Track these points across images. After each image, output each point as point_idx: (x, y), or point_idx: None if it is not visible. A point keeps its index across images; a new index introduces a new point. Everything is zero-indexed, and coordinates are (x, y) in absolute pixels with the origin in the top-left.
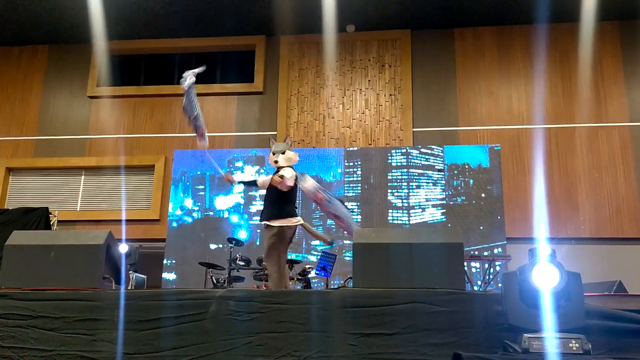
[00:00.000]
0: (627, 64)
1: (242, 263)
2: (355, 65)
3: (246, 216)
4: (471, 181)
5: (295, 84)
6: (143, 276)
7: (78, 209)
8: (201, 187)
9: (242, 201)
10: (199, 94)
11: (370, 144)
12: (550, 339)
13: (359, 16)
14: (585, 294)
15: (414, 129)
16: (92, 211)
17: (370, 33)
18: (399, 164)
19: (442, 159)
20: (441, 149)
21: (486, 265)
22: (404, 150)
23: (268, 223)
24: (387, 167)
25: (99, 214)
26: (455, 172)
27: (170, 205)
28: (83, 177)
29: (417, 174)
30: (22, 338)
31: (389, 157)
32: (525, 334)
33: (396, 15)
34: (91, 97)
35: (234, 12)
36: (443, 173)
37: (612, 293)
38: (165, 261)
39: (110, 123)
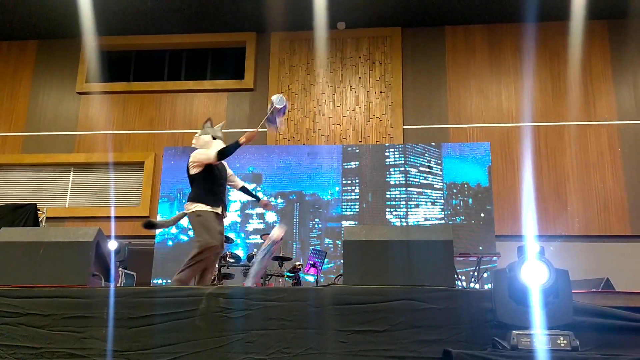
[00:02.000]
0: (615, 62)
1: (232, 260)
2: (346, 63)
3: (243, 235)
4: (470, 200)
5: (285, 80)
6: (133, 273)
7: (67, 206)
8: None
9: (239, 219)
10: (189, 91)
11: (360, 141)
12: (539, 335)
13: (350, 13)
14: (573, 290)
15: (405, 127)
16: (81, 208)
17: (360, 30)
18: (397, 182)
19: (441, 178)
20: (440, 167)
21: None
22: (402, 169)
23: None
24: (385, 186)
25: (88, 211)
26: (454, 190)
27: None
28: (72, 173)
29: (415, 193)
30: (11, 336)
31: (387, 176)
32: (514, 331)
33: (387, 12)
34: (80, 93)
35: (225, 9)
36: (442, 192)
37: (600, 290)
38: (155, 281)
39: (100, 119)
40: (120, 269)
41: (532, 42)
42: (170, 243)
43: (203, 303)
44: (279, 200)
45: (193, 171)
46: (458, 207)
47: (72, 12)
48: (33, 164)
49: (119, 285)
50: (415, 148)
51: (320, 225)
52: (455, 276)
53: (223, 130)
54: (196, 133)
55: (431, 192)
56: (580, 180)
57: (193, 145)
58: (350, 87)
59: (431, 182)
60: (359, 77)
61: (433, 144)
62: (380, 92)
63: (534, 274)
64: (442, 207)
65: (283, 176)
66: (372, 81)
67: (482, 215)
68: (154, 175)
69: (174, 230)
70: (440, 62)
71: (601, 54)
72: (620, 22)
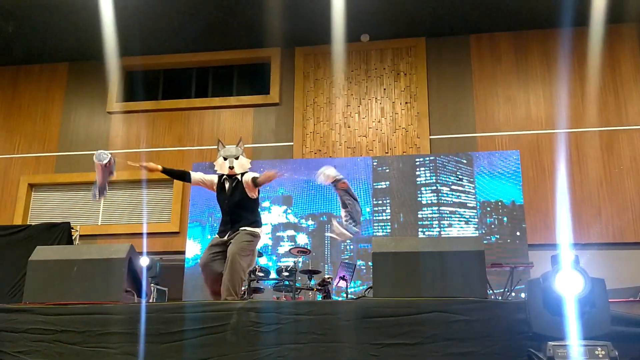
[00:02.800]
0: None
1: (261, 274)
2: (371, 74)
3: (274, 257)
4: (505, 219)
5: (310, 94)
6: (164, 289)
7: (99, 223)
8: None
9: (270, 242)
10: (215, 107)
11: (387, 153)
12: (576, 346)
13: (373, 25)
14: (610, 300)
15: (431, 137)
16: (113, 225)
17: (384, 42)
18: (429, 201)
19: (474, 196)
20: (473, 185)
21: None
22: (434, 188)
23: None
24: (417, 205)
25: (119, 228)
26: (488, 209)
27: (199, 247)
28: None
29: (448, 212)
30: (47, 352)
31: (419, 195)
32: (549, 342)
33: (410, 23)
34: (110, 113)
35: (249, 25)
36: (475, 211)
37: (638, 299)
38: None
39: (130, 138)
40: (152, 284)
41: (559, 48)
42: None
43: (234, 318)
44: (310, 222)
45: (254, 195)
46: (492, 226)
47: (100, 34)
48: (66, 183)
49: (151, 301)
50: (447, 166)
51: (351, 247)
52: (488, 287)
53: (246, 146)
54: (234, 150)
55: (464, 211)
56: (613, 187)
57: (243, 170)
58: (376, 98)
59: (464, 201)
60: (384, 89)
61: (464, 160)
62: (406, 102)
63: (568, 284)
64: (476, 226)
65: (313, 197)
66: (397, 92)
67: (518, 233)
68: (183, 192)
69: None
70: (465, 70)
71: (631, 57)
72: None
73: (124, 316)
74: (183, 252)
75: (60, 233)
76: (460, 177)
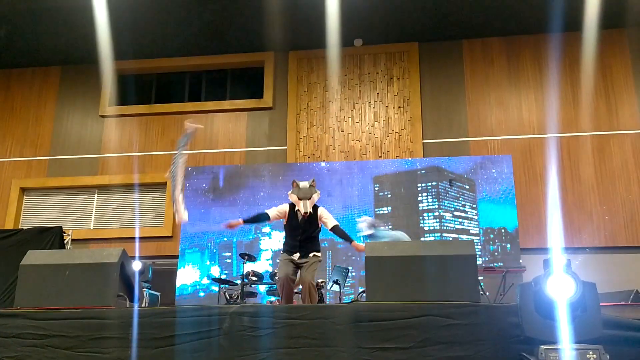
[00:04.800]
0: (636, 71)
1: (254, 278)
2: (364, 79)
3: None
4: (508, 246)
5: (304, 98)
6: (157, 293)
7: (91, 228)
8: (228, 254)
9: (270, 269)
10: (209, 111)
11: (380, 157)
12: (567, 350)
13: (366, 30)
14: (601, 303)
15: (424, 141)
16: (105, 229)
17: (378, 46)
18: (431, 227)
19: (476, 223)
20: (476, 212)
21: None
22: (436, 214)
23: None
24: (419, 231)
25: (112, 232)
26: (491, 236)
27: (198, 273)
28: (96, 195)
29: (450, 239)
30: (38, 357)
31: (421, 221)
32: (541, 346)
33: (403, 28)
34: (103, 117)
35: (243, 30)
36: (479, 237)
37: (629, 302)
38: None
39: (122, 142)
40: (145, 289)
41: (551, 53)
42: (202, 294)
43: (227, 322)
44: (321, 281)
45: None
46: (496, 253)
47: (93, 38)
48: (58, 187)
49: (143, 305)
50: (449, 192)
51: (354, 274)
52: (481, 291)
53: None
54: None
55: (467, 238)
56: (605, 191)
57: (315, 202)
58: (369, 102)
59: (466, 227)
60: (377, 93)
61: (467, 186)
62: (399, 107)
63: (560, 288)
64: (479, 253)
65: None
66: (390, 96)
67: (521, 262)
68: None
69: (205, 280)
70: (458, 75)
71: (622, 63)
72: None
73: (116, 321)
74: (176, 257)
75: (52, 237)
76: (463, 203)
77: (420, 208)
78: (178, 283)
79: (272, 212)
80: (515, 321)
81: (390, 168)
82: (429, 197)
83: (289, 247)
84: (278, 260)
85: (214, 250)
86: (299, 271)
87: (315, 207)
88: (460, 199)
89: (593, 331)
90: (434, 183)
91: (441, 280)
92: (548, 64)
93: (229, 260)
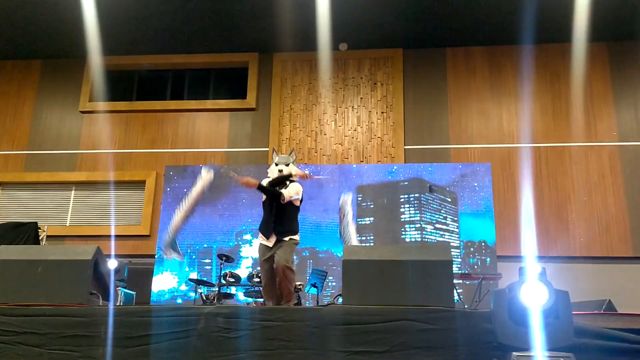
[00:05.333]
0: (615, 84)
1: (232, 280)
2: (348, 83)
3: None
4: (488, 260)
5: (287, 100)
6: (132, 292)
7: (68, 224)
8: (207, 260)
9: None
10: (191, 110)
11: (362, 161)
12: (539, 357)
13: (352, 35)
14: (574, 312)
15: (406, 147)
16: (82, 226)
17: (362, 51)
18: (412, 239)
19: (457, 236)
20: (457, 224)
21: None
22: (418, 225)
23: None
24: (400, 243)
25: (88, 229)
26: (472, 249)
27: (176, 280)
28: (73, 192)
29: (428, 243)
30: (8, 354)
31: (403, 233)
32: (514, 353)
33: (388, 34)
34: (83, 112)
35: (228, 29)
36: (459, 250)
37: (602, 312)
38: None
39: (102, 138)
40: (119, 287)
41: (532, 64)
42: (179, 301)
43: (201, 323)
44: (299, 284)
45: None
46: (475, 267)
47: (75, 32)
48: (35, 182)
49: (117, 304)
50: (431, 204)
51: (334, 284)
52: (457, 297)
53: (220, 150)
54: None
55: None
56: (581, 201)
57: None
58: (352, 107)
59: (447, 240)
60: (361, 98)
61: (449, 199)
62: (382, 112)
63: (534, 295)
64: (459, 266)
65: None
66: (373, 101)
67: (498, 269)
68: (155, 194)
69: (183, 287)
70: (441, 83)
71: (601, 76)
72: (620, 45)
73: (88, 319)
74: (153, 256)
75: (26, 233)
76: (445, 215)
77: (402, 219)
78: (156, 289)
79: (286, 193)
80: (489, 327)
81: (374, 178)
82: (411, 208)
83: (265, 226)
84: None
85: (193, 257)
86: (274, 256)
87: (291, 182)
88: (442, 211)
89: (565, 339)
90: (416, 195)
91: (417, 284)
92: (529, 75)
93: (208, 267)
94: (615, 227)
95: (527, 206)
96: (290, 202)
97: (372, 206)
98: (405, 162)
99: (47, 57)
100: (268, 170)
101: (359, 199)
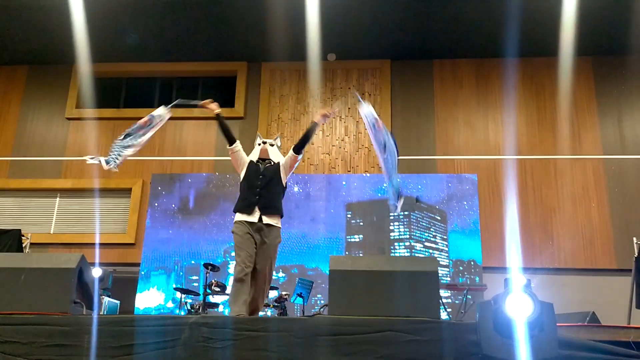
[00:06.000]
0: (600, 98)
1: (217, 289)
2: (336, 93)
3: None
4: (477, 279)
5: (276, 109)
6: (116, 301)
7: (52, 232)
8: (195, 277)
9: None
10: (178, 118)
11: (349, 171)
12: None
13: (340, 45)
14: (558, 324)
15: None
16: (66, 234)
17: (350, 62)
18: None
19: (447, 254)
20: (446, 243)
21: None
22: (407, 244)
23: (273, 223)
24: None
25: (73, 237)
26: (461, 268)
27: (162, 296)
28: (58, 199)
29: (414, 255)
30: None
31: (392, 250)
32: None
33: (376, 45)
34: (69, 119)
35: (216, 38)
36: (448, 269)
37: (586, 324)
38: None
39: (88, 145)
40: (104, 296)
41: (518, 77)
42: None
43: (186, 332)
44: (280, 274)
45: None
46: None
47: (63, 38)
48: (19, 189)
49: (101, 313)
50: (421, 222)
51: (323, 302)
52: (442, 308)
53: (208, 158)
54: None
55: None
56: (566, 214)
57: (277, 159)
58: (340, 117)
59: (437, 258)
60: (349, 108)
61: (438, 217)
62: None
63: (519, 307)
64: (448, 284)
65: (283, 247)
66: None
67: (483, 280)
68: (141, 202)
69: (170, 304)
70: (428, 94)
71: (586, 90)
72: (604, 59)
73: (71, 328)
74: (138, 264)
75: (9, 240)
76: (434, 234)
77: (392, 237)
78: (142, 305)
79: (239, 146)
80: (474, 339)
81: (363, 196)
82: (401, 226)
83: (245, 203)
84: (233, 227)
85: (181, 273)
86: (258, 251)
87: (275, 164)
88: (432, 229)
89: (549, 351)
90: (405, 212)
91: (403, 295)
92: (515, 88)
93: (195, 284)
94: (599, 240)
95: (512, 218)
96: (278, 178)
97: (361, 223)
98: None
99: (34, 62)
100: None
101: (349, 216)
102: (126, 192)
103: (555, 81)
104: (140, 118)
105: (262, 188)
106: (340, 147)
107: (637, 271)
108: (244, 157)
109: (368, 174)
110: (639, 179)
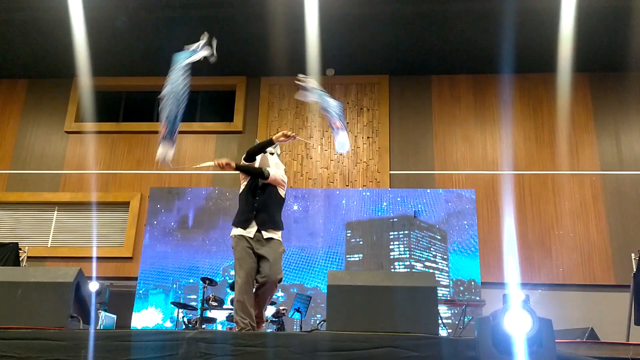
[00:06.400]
0: (597, 114)
1: (215, 304)
2: None
3: (229, 290)
4: (477, 299)
5: (274, 124)
6: (113, 316)
7: (49, 245)
8: (193, 296)
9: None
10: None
11: (347, 185)
12: None
13: (339, 60)
14: (557, 340)
15: (391, 172)
16: (64, 247)
17: (349, 77)
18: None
19: (447, 274)
20: (447, 263)
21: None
22: (407, 263)
23: (273, 236)
24: None
25: (70, 251)
26: (461, 288)
27: (160, 316)
28: (56, 212)
29: (413, 271)
30: None
31: (392, 270)
32: None
33: (375, 61)
34: (68, 132)
35: (216, 53)
36: (448, 289)
37: (584, 340)
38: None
39: (87, 159)
40: (101, 311)
41: (516, 93)
42: None
43: (183, 348)
44: (280, 293)
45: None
46: (472, 322)
47: (63, 52)
48: (17, 202)
49: (98, 327)
50: (421, 242)
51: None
52: (440, 324)
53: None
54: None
55: (438, 289)
56: (564, 229)
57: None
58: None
59: (437, 279)
60: (347, 122)
61: (439, 237)
62: (368, 137)
63: (517, 323)
64: (448, 306)
65: (282, 265)
66: (359, 126)
67: (482, 296)
68: (139, 216)
69: (168, 323)
70: (426, 109)
71: (583, 106)
72: (601, 75)
73: (67, 343)
74: (135, 279)
75: (7, 253)
76: (434, 253)
77: (392, 257)
78: (139, 324)
79: (271, 170)
80: (473, 355)
81: (363, 215)
82: (401, 245)
83: (243, 218)
84: (231, 240)
85: (179, 292)
86: (261, 263)
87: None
88: (432, 249)
89: None
90: (405, 232)
91: (401, 311)
92: (513, 103)
93: (194, 303)
94: (597, 256)
95: (508, 233)
96: (275, 190)
97: (361, 243)
98: (390, 187)
99: (34, 76)
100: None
101: (348, 235)
102: (124, 205)
103: (553, 97)
104: (139, 132)
105: (260, 202)
106: (338, 162)
107: (635, 287)
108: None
109: (367, 193)
110: (636, 195)
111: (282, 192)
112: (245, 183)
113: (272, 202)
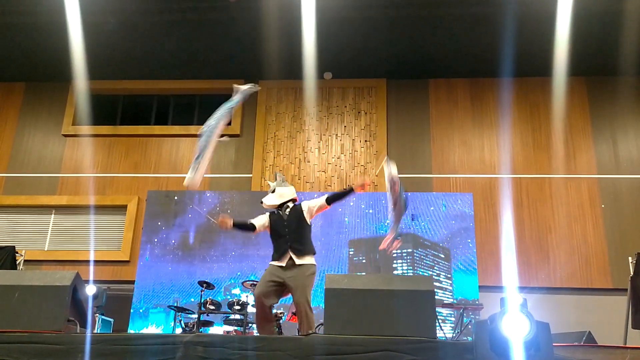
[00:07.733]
0: (594, 117)
1: (212, 307)
2: (332, 111)
3: (225, 293)
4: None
5: (272, 127)
6: (110, 319)
7: (46, 249)
8: (194, 316)
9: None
10: (175, 135)
11: (345, 188)
12: None
13: (337, 64)
14: (554, 344)
15: None
16: (61, 251)
17: (347, 80)
18: (397, 275)
19: (451, 294)
20: (450, 282)
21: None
22: None
23: (304, 262)
24: None
25: (67, 254)
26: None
27: (160, 330)
28: (53, 216)
29: (410, 275)
30: None
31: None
32: None
33: (372, 64)
34: (66, 136)
35: (213, 56)
36: (452, 309)
37: (582, 344)
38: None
39: (84, 162)
40: (97, 314)
41: (513, 96)
42: None
43: (180, 351)
44: (280, 312)
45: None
46: (470, 326)
47: (60, 56)
48: (14, 206)
49: (95, 331)
50: (424, 260)
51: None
52: (438, 327)
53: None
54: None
55: (441, 310)
56: (561, 233)
57: (282, 199)
58: (336, 135)
59: (441, 298)
60: (345, 126)
61: (442, 255)
62: (365, 140)
63: (515, 326)
64: (452, 324)
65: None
66: (357, 130)
67: (483, 305)
68: (136, 219)
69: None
70: (424, 113)
71: (580, 109)
72: (598, 79)
73: (64, 346)
74: (132, 282)
75: (3, 257)
76: (438, 272)
77: (395, 275)
78: None
79: (256, 222)
80: (471, 358)
81: (366, 232)
82: (404, 264)
83: (278, 253)
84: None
85: (180, 313)
86: (292, 292)
87: (296, 206)
88: (436, 267)
89: None
90: (409, 250)
91: (399, 314)
92: (510, 107)
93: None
94: (594, 259)
95: (506, 237)
96: (303, 219)
97: (364, 261)
98: (387, 191)
99: (31, 79)
100: (264, 200)
101: (351, 253)
102: (121, 209)
103: (550, 100)
104: (137, 135)
105: (291, 234)
106: (336, 165)
107: (632, 291)
108: (264, 219)
109: (370, 210)
110: (633, 199)
111: (308, 219)
112: (268, 224)
113: (301, 230)
